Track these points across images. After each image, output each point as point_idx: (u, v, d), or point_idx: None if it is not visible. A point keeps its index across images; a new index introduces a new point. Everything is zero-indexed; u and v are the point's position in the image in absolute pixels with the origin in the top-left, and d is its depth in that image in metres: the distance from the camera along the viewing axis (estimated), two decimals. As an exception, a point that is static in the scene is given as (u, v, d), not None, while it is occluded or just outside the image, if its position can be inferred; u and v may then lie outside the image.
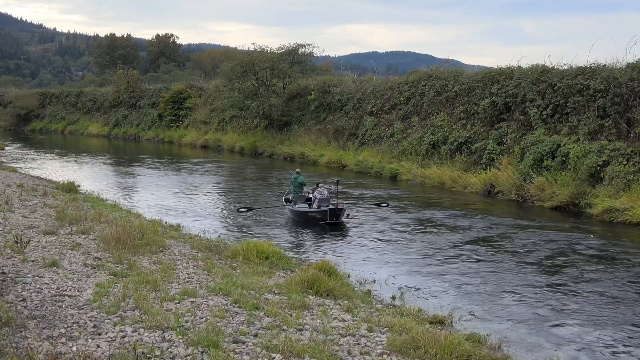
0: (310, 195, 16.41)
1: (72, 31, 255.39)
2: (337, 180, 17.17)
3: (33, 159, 32.90)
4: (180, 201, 19.33)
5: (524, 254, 12.52)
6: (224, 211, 18.11)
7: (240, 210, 16.73)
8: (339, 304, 8.19)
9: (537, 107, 20.80)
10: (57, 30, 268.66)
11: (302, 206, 16.19)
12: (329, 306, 8.00)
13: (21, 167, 26.81)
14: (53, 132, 58.28)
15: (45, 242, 10.42)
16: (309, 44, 37.09)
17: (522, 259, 12.14)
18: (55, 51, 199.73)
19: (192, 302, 7.53)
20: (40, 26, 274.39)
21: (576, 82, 19.79)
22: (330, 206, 15.24)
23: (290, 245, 13.33)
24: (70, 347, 5.74)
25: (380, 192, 21.00)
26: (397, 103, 28.39)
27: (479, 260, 11.99)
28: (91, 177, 25.00)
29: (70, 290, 7.79)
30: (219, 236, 13.51)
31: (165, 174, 26.78)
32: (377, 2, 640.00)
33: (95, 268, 8.95)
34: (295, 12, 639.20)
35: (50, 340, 5.86)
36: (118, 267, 9.11)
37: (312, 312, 7.61)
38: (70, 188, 17.91)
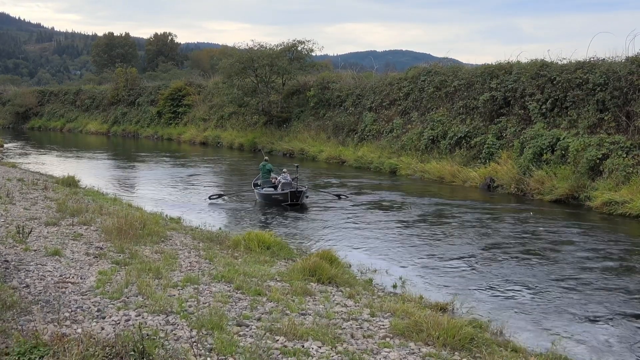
0: (276, 181, 17.95)
1: (70, 30, 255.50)
2: (297, 166, 18.55)
3: (32, 156, 32.88)
4: (180, 196, 19.37)
5: (524, 244, 12.55)
6: (223, 205, 18.12)
7: (211, 197, 18.03)
8: (341, 291, 8.22)
9: (537, 102, 20.85)
10: (55, 29, 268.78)
11: (267, 190, 17.81)
12: (331, 293, 8.03)
13: (21, 163, 26.82)
14: (52, 130, 58.19)
15: (47, 232, 10.45)
16: (308, 41, 37.06)
17: (521, 248, 12.17)
18: (54, 50, 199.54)
19: (195, 288, 7.55)
20: (38, 25, 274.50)
21: (575, 76, 19.84)
22: (291, 189, 16.71)
23: (291, 236, 13.34)
24: (75, 329, 5.76)
25: (379, 186, 21.04)
26: (396, 99, 28.43)
27: (478, 250, 12.02)
28: (91, 173, 24.98)
29: (73, 277, 7.82)
30: (220, 228, 13.54)
31: (165, 170, 26.78)
32: (374, 1, 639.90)
33: (97, 257, 8.98)
34: (293, 11, 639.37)
35: (55, 323, 5.88)
36: (120, 256, 9.13)
37: (315, 298, 7.64)
38: (70, 182, 17.91)
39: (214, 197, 18.11)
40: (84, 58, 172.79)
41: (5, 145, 38.63)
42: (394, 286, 9.50)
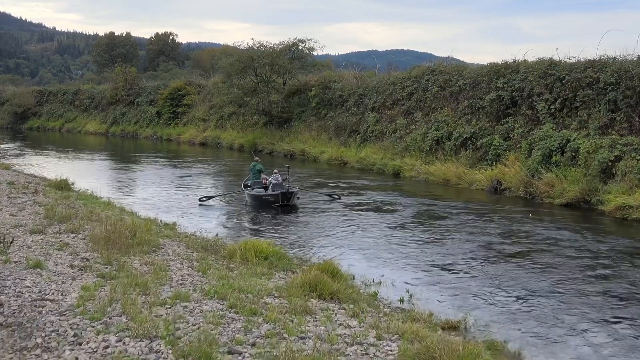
0: (267, 182, 17.71)
1: (71, 30, 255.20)
2: (288, 167, 18.82)
3: (29, 157, 32.30)
4: (177, 199, 18.72)
5: (534, 252, 11.89)
6: (219, 207, 17.50)
7: (201, 199, 17.74)
8: (344, 309, 7.56)
9: (545, 101, 20.17)
10: (57, 29, 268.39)
11: (258, 191, 17.59)
12: (333, 311, 7.38)
13: (16, 164, 26.22)
14: (50, 130, 57.58)
15: (31, 241, 9.81)
16: (309, 40, 36.34)
17: (531, 255, 11.52)
18: (55, 50, 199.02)
19: (185, 307, 6.91)
20: (39, 25, 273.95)
21: (585, 75, 19.16)
22: (282, 190, 16.58)
23: (290, 243, 12.70)
24: (45, 359, 5.13)
25: (382, 189, 20.39)
26: (399, 98, 27.75)
27: (485, 258, 11.36)
28: (87, 174, 24.37)
29: (52, 294, 7.18)
30: (216, 235, 12.90)
31: (163, 172, 26.17)
32: (374, 1, 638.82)
33: (82, 269, 8.34)
34: (293, 11, 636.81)
35: (24, 352, 5.24)
36: (107, 268, 8.50)
37: (315, 318, 6.99)
38: (62, 185, 17.31)
39: (204, 199, 17.76)
40: (85, 58, 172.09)
41: (2, 146, 38.05)
42: (401, 300, 8.86)
